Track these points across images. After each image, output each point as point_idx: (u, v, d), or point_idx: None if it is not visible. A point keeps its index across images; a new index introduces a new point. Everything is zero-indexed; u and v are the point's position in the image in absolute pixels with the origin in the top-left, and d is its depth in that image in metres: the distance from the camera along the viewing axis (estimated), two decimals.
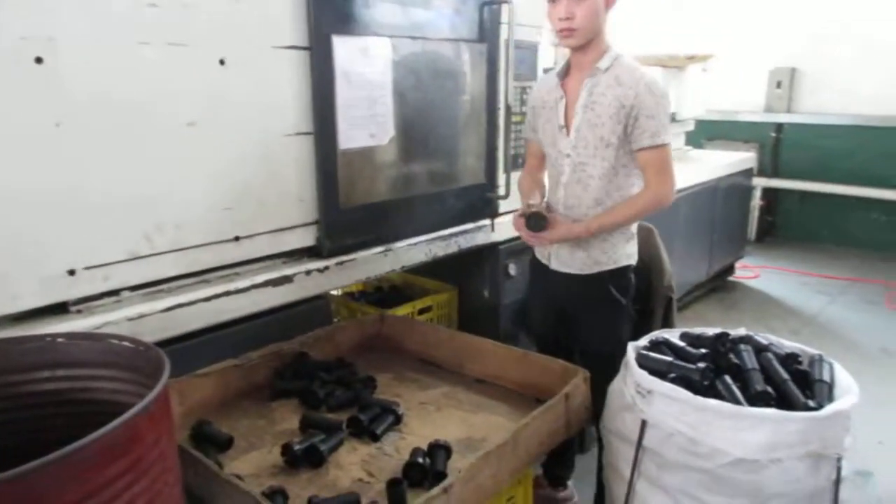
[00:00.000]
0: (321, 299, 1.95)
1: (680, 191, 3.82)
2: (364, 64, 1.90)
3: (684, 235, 3.99)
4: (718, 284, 4.80)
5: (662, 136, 1.87)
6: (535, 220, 1.95)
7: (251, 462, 1.44)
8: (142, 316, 1.52)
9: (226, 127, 1.65)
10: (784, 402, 1.32)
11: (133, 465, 0.90)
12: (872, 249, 5.70)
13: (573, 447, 2.24)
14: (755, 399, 1.31)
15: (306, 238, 1.90)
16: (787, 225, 6.20)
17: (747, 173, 4.84)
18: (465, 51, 2.24)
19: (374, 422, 1.54)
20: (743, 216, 5.05)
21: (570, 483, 2.25)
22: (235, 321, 1.75)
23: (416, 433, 1.55)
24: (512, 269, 2.65)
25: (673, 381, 1.35)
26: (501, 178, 2.47)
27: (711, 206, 4.32)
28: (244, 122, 1.68)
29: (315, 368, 1.78)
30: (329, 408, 1.66)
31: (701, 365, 1.36)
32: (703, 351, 1.42)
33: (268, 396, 1.73)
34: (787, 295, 4.72)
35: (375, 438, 1.51)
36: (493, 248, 2.57)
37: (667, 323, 2.39)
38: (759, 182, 5.95)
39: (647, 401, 1.34)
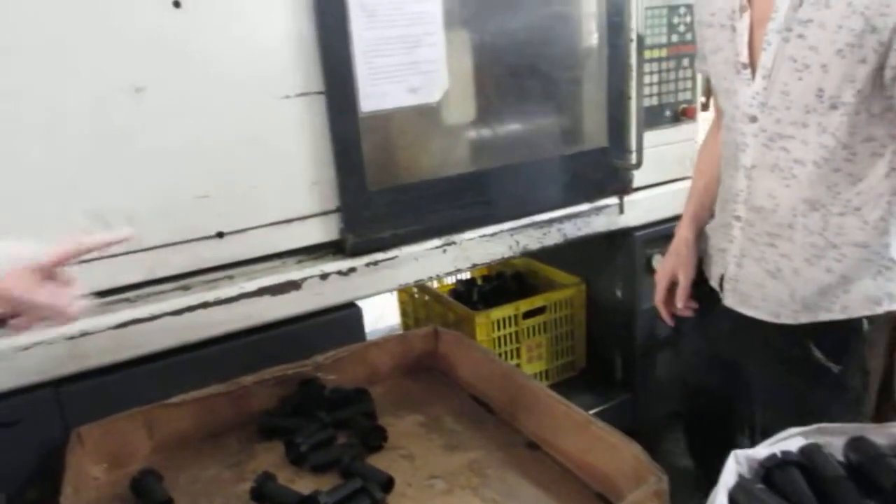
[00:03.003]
0: (351, 308, 1.52)
1: None
2: None
3: None
4: None
5: None
6: None
7: None
8: (83, 334, 1.24)
9: (190, 91, 1.27)
10: None
11: None
12: None
13: None
14: None
15: (327, 231, 1.48)
16: None
17: None
18: None
19: None
20: None
21: None
22: (241, 334, 1.41)
23: None
24: (656, 263, 1.95)
25: None
26: (634, 140, 1.77)
27: None
28: (218, 84, 1.29)
29: (318, 403, 1.36)
30: (312, 467, 1.24)
31: None
32: None
33: (259, 433, 1.37)
34: None
35: None
36: (625, 234, 1.89)
37: (893, 362, 1.52)
38: None
39: None
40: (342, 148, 1.40)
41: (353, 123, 1.40)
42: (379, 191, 1.46)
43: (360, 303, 1.56)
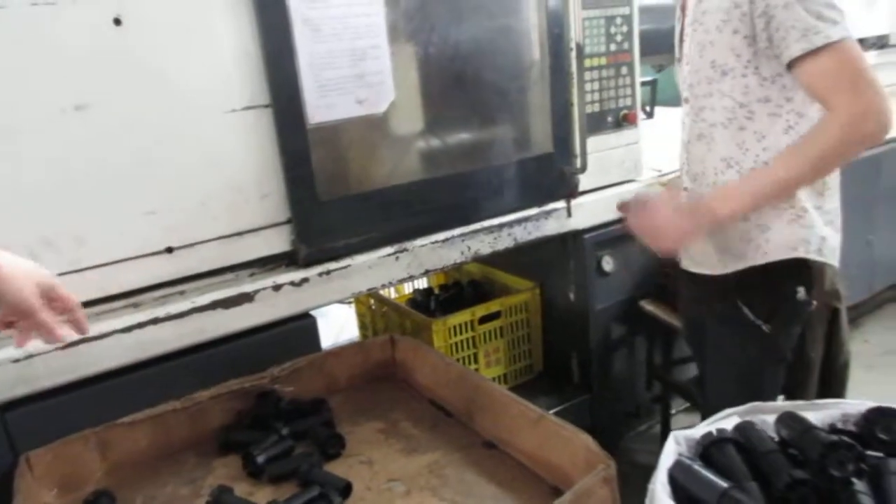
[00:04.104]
0: (306, 318, 1.53)
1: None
2: (338, 2, 1.40)
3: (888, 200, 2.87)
4: None
5: (825, 29, 1.09)
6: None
7: None
8: (30, 356, 1.21)
9: (135, 107, 1.27)
10: None
11: None
12: None
13: None
14: None
15: (279, 242, 1.48)
16: None
17: None
18: None
19: None
20: None
21: None
22: (195, 349, 1.40)
23: None
24: (607, 265, 2.00)
25: None
26: (578, 146, 1.83)
27: None
28: (162, 99, 1.29)
29: (275, 415, 1.36)
30: (270, 478, 1.24)
31: None
32: (801, 475, 0.74)
33: (216, 449, 1.36)
34: None
35: None
36: (575, 237, 1.94)
37: (830, 352, 1.59)
38: None
39: None
40: (291, 159, 1.41)
41: (302, 135, 1.41)
42: (330, 201, 1.47)
43: (320, 317, 1.57)
